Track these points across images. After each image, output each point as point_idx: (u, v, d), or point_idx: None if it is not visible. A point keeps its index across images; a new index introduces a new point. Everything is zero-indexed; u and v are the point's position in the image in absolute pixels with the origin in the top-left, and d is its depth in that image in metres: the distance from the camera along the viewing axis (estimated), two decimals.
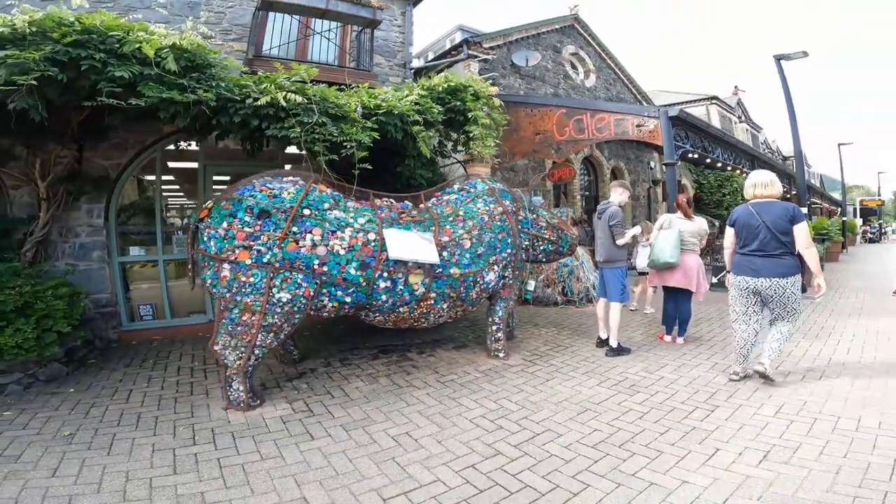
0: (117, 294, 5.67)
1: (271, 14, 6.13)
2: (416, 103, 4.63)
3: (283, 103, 3.88)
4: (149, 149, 5.81)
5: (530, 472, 2.48)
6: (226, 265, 3.48)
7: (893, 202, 72.48)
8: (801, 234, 3.49)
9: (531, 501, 2.21)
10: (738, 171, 10.13)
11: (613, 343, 4.75)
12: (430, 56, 10.88)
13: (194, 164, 6.31)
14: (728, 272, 3.92)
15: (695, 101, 18.26)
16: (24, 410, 3.43)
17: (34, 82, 3.07)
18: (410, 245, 3.99)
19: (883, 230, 29.15)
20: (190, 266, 3.92)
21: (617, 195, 4.91)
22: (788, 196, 13.12)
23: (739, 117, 20.37)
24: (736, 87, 21.87)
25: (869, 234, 26.52)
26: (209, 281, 3.54)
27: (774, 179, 3.68)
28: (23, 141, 4.96)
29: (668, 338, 5.22)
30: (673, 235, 5.04)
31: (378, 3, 5.87)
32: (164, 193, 6.46)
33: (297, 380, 4.09)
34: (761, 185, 3.67)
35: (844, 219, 18.17)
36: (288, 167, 6.92)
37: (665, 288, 5.25)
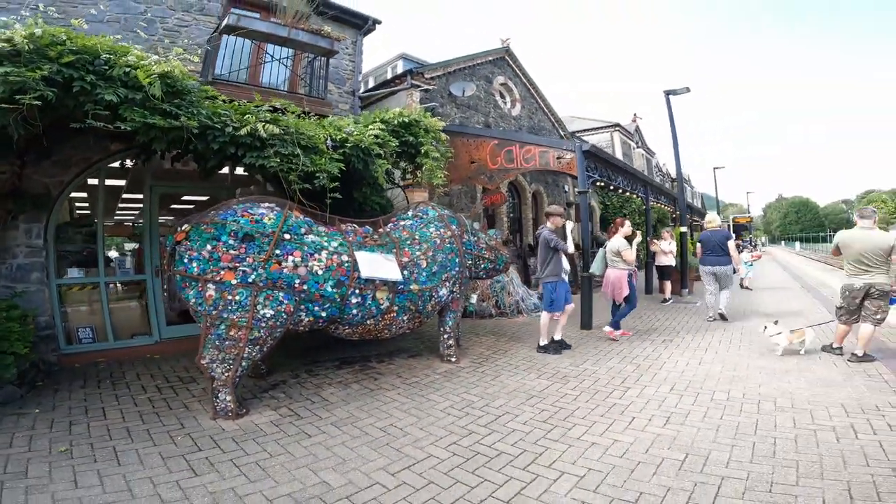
0: (55, 316, 5.44)
1: (224, 37, 6.30)
2: (377, 136, 5.18)
3: (263, 134, 4.22)
4: (93, 167, 5.69)
5: (501, 443, 3.14)
6: (210, 285, 3.75)
7: (762, 218, 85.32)
8: (731, 245, 7.08)
9: (507, 462, 2.87)
10: (635, 195, 11.81)
11: (542, 342, 5.68)
12: (371, 82, 11.41)
13: (140, 184, 6.24)
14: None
15: (601, 127, 20.67)
16: None
17: (37, 102, 3.11)
18: (378, 265, 4.52)
19: (754, 243, 34.00)
20: (164, 286, 4.10)
21: (550, 223, 5.81)
22: (675, 215, 15.37)
23: (637, 143, 23.34)
24: (635, 114, 25.00)
25: (742, 247, 30.94)
26: (193, 300, 3.77)
27: (717, 218, 7.58)
28: None
29: (617, 333, 6.31)
30: (599, 253, 6.51)
31: (335, 34, 6.32)
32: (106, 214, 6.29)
33: (271, 390, 4.39)
34: (712, 221, 7.45)
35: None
36: (238, 190, 7.06)
37: None
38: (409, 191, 8.57)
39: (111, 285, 6.27)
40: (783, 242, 65.17)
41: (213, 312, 3.72)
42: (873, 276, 4.73)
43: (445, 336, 5.40)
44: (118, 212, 8.35)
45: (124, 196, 7.39)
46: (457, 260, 5.31)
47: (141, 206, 6.44)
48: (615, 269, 6.25)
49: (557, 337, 5.75)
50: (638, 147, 23.22)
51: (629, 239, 6.40)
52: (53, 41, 3.40)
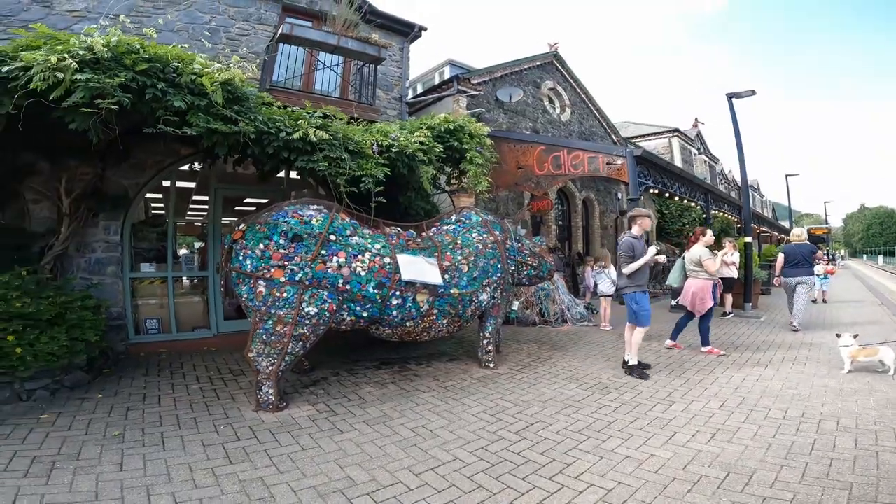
0: (126, 308, 5.96)
1: (282, 46, 6.66)
2: (422, 143, 5.27)
3: (314, 138, 4.41)
4: (165, 170, 6.20)
5: (530, 451, 3.08)
6: (261, 282, 3.95)
7: (842, 229, 77.82)
8: (819, 254, 7.68)
9: (534, 471, 2.81)
10: (694, 203, 11.19)
11: (628, 359, 5.02)
12: (419, 87, 11.66)
13: (206, 186, 6.72)
14: (778, 276, 7.67)
15: (658, 133, 19.80)
16: (60, 414, 3.72)
17: (115, 107, 3.38)
18: (419, 268, 4.58)
19: (832, 255, 30.81)
20: (222, 281, 4.38)
21: (636, 227, 5.23)
22: (739, 225, 14.40)
23: (699, 149, 22.13)
24: (696, 119, 23.65)
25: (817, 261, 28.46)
26: (245, 296, 4.00)
27: (804, 232, 7.92)
28: (46, 157, 5.27)
29: (669, 342, 6.20)
30: (677, 263, 6.30)
31: (382, 41, 6.52)
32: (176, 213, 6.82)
33: (312, 387, 4.55)
34: (800, 235, 7.71)
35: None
36: (293, 193, 7.44)
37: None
38: (456, 196, 8.63)
39: (184, 279, 6.81)
40: (864, 256, 59.04)
41: (263, 308, 3.92)
42: None
43: (485, 341, 5.37)
44: (189, 212, 9.05)
45: (194, 197, 8.01)
46: (499, 266, 5.27)
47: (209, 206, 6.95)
48: (697, 279, 5.90)
49: (630, 357, 5.07)
50: (700, 153, 22.02)
51: (711, 250, 6.07)
52: (128, 49, 3.68)
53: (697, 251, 5.93)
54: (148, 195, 6.59)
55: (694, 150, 21.45)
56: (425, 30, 8.14)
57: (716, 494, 2.48)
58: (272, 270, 3.97)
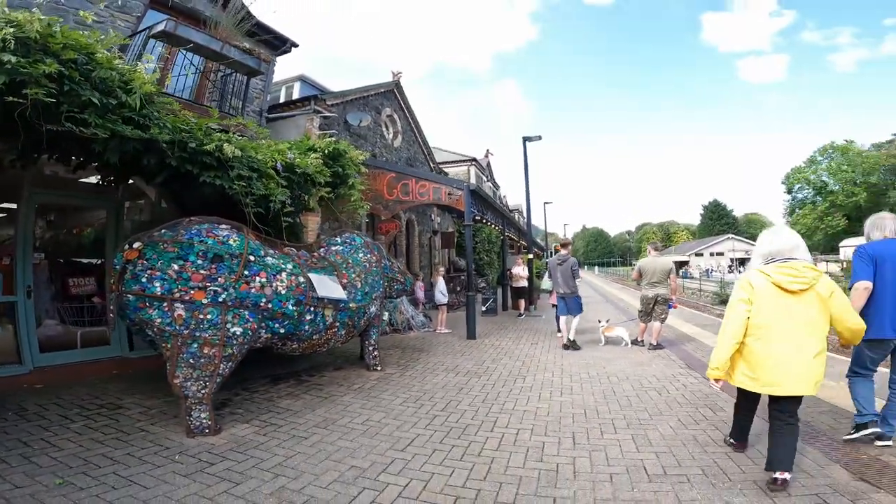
0: None
1: (136, 41, 5.93)
2: (316, 166, 5.66)
3: (228, 154, 4.40)
4: None
5: (463, 419, 4.11)
6: (179, 304, 3.86)
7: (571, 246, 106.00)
8: (577, 267, 8.54)
9: (478, 429, 3.86)
10: (491, 225, 13.94)
11: (571, 336, 7.40)
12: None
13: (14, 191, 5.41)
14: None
15: (460, 161, 23.17)
16: None
17: (49, 98, 2.97)
18: (328, 285, 5.07)
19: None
20: (112, 307, 4.00)
21: (566, 251, 8.01)
22: (519, 244, 18.14)
23: (488, 177, 26.71)
24: (487, 150, 28.60)
25: None
26: (157, 320, 3.81)
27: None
28: None
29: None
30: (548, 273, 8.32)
31: (265, 55, 6.50)
32: None
33: (223, 409, 4.44)
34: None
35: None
36: (127, 204, 6.55)
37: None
38: (304, 215, 8.85)
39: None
40: (585, 266, 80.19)
41: (185, 332, 3.83)
42: (659, 289, 7.12)
43: (370, 348, 6.10)
44: None
45: None
46: (381, 281, 6.10)
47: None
48: None
49: (573, 337, 7.43)
50: (488, 181, 26.58)
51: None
52: (49, 32, 3.20)
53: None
54: None
55: (484, 178, 25.80)
56: (296, 46, 8.18)
57: (587, 421, 4.04)
58: (192, 292, 3.91)
